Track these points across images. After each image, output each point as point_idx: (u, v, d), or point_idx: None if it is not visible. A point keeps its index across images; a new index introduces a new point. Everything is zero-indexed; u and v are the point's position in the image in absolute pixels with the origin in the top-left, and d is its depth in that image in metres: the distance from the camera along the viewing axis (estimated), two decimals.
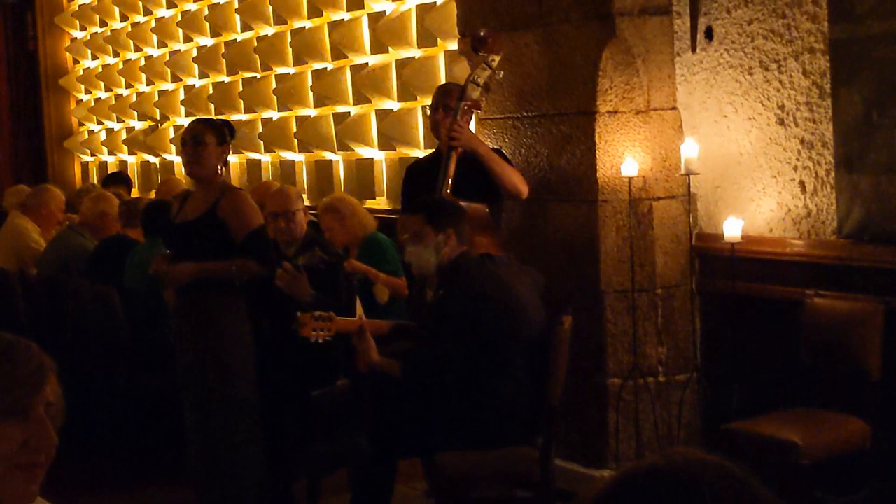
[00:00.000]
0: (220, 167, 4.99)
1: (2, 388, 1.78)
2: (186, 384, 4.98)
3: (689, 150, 5.31)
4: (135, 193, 9.82)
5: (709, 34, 5.34)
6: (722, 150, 5.32)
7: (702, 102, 5.40)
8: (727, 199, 5.32)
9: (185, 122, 9.96)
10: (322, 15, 8.32)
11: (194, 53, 9.92)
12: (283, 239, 5.38)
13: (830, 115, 4.89)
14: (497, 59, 5.27)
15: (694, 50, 5.40)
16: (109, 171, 10.98)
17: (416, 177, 5.52)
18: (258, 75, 9.07)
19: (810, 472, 4.46)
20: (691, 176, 5.29)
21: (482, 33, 5.36)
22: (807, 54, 4.96)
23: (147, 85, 10.73)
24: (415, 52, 7.49)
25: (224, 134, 5.02)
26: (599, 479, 5.14)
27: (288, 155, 8.88)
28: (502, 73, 5.36)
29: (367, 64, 7.89)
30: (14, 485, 1.79)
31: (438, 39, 7.19)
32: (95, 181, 11.22)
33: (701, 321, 5.51)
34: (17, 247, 7.69)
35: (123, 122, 11.17)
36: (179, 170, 10.17)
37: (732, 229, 5.07)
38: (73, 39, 11.93)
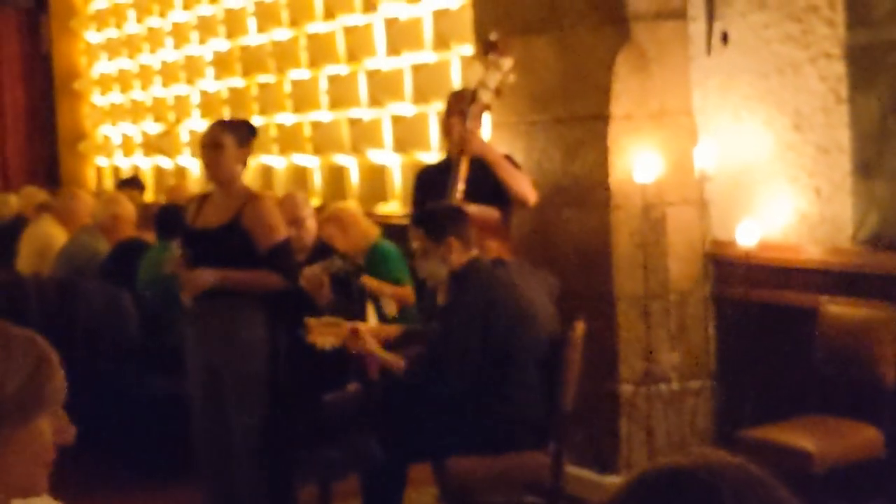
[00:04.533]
0: (240, 169, 4.86)
1: (46, 384, 1.74)
2: (196, 390, 4.91)
3: (704, 155, 5.28)
4: (149, 197, 9.83)
5: (724, 39, 5.32)
6: (737, 156, 5.29)
7: (717, 107, 5.37)
8: (742, 204, 5.29)
9: (199, 124, 9.97)
10: (336, 18, 8.32)
11: (209, 57, 9.93)
12: (294, 246, 5.34)
13: (846, 121, 4.86)
14: (508, 62, 5.25)
15: (709, 54, 5.38)
16: (123, 175, 11.01)
17: (426, 183, 5.49)
18: (273, 79, 9.07)
19: (824, 481, 4.43)
20: (705, 181, 5.26)
21: (493, 37, 5.35)
22: (823, 59, 4.92)
23: (162, 88, 10.74)
24: (429, 57, 7.48)
25: (244, 134, 4.87)
26: (611, 485, 5.12)
27: (302, 159, 8.88)
28: (513, 76, 5.33)
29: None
30: (39, 483, 1.75)
31: (452, 44, 7.18)
32: (109, 185, 11.23)
33: (715, 328, 5.48)
34: (45, 253, 7.62)
35: (138, 125, 11.20)
36: (193, 174, 10.18)
37: (747, 235, 5.04)
38: (89, 43, 11.95)
